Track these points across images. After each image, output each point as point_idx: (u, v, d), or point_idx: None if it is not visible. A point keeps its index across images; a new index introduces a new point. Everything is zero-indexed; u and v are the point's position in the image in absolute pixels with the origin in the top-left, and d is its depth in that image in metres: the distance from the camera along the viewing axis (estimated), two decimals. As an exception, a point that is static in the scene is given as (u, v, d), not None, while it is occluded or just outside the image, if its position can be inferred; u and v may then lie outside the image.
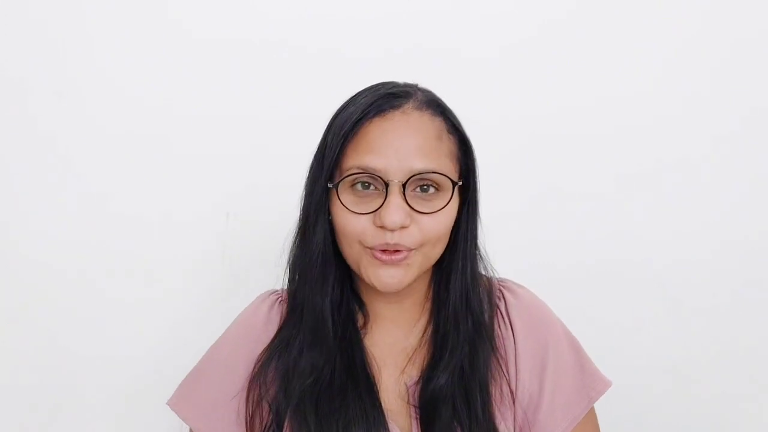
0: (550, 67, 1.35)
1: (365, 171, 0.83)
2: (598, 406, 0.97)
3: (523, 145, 1.35)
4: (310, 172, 0.90)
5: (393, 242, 0.83)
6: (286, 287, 0.96)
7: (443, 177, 0.84)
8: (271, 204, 1.33)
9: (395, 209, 0.82)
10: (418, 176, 0.83)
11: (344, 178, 0.85)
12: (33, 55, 1.29)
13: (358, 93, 0.89)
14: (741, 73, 1.36)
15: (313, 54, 1.33)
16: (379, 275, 0.85)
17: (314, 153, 0.90)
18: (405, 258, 0.85)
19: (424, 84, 0.92)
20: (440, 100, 0.91)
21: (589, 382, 0.95)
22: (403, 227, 0.83)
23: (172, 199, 1.33)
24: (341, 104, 0.90)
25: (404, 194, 0.83)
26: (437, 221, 0.85)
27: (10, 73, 1.29)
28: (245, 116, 1.33)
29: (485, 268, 0.95)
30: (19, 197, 1.30)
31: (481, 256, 0.94)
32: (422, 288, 0.94)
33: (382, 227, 0.83)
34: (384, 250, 0.84)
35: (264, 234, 1.33)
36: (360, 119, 0.85)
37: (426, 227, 0.84)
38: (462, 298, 0.91)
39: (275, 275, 1.00)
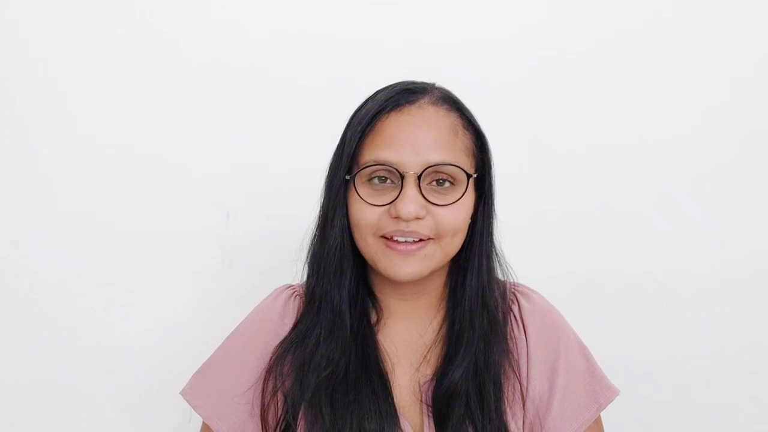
0: (558, 82, 1.37)
1: (382, 164, 0.84)
2: (605, 414, 0.98)
3: (529, 153, 1.36)
4: (329, 168, 0.91)
5: (408, 230, 0.84)
6: (302, 282, 0.96)
7: (458, 170, 0.85)
8: (271, 205, 1.33)
9: (410, 200, 0.83)
10: (433, 168, 0.84)
11: (361, 169, 0.86)
12: (30, 60, 1.29)
13: (377, 91, 0.91)
14: (748, 83, 1.38)
15: (313, 54, 1.34)
16: (395, 265, 0.86)
17: (334, 151, 0.91)
18: (421, 248, 0.85)
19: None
20: (456, 97, 0.92)
21: (599, 388, 0.96)
22: (418, 218, 0.84)
23: (172, 201, 1.33)
24: (361, 102, 0.91)
25: (420, 186, 0.84)
26: (452, 214, 0.86)
27: (6, 78, 1.29)
28: (245, 117, 1.33)
29: (502, 271, 0.96)
30: (20, 200, 1.29)
31: (497, 254, 0.94)
32: (438, 285, 0.95)
33: (397, 218, 0.83)
34: (400, 242, 0.85)
35: (265, 235, 1.34)
36: (377, 114, 0.86)
37: (442, 219, 0.85)
38: (478, 294, 0.91)
39: (276, 274, 1.01)
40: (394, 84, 0.90)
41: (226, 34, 1.32)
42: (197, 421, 0.98)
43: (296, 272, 0.96)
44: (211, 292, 1.34)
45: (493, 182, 0.92)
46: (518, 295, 0.98)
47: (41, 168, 1.30)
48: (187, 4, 1.32)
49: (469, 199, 0.88)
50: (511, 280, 0.98)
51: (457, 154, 0.86)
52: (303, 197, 0.97)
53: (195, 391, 0.96)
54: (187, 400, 0.95)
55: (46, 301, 1.30)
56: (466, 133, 0.89)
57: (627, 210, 1.38)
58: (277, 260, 0.99)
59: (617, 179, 1.38)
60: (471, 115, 0.91)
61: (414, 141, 0.84)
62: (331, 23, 1.34)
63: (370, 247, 0.87)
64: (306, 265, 0.94)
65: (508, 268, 0.96)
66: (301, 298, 0.96)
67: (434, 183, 0.86)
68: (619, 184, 1.38)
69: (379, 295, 0.95)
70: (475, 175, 0.88)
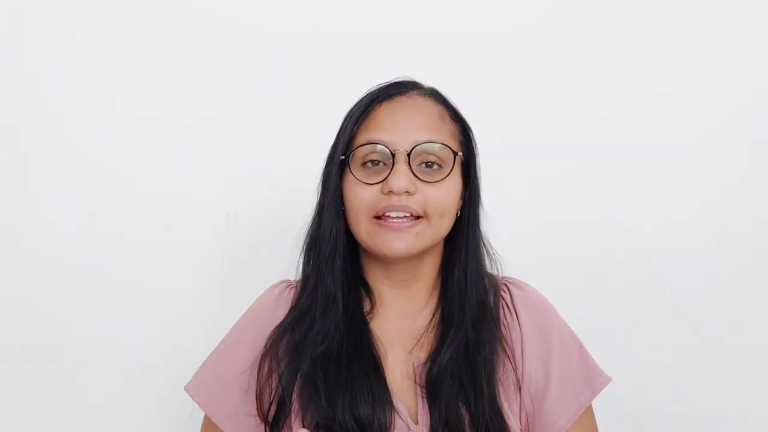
0: (546, 62, 1.40)
1: (374, 143, 0.91)
2: (598, 406, 1.00)
3: (523, 140, 1.38)
4: (327, 158, 0.97)
5: (400, 204, 0.89)
6: (298, 278, 1.00)
7: (445, 150, 0.92)
8: (271, 204, 1.36)
9: (401, 175, 0.89)
10: (422, 146, 0.91)
11: (356, 149, 0.92)
12: (37, 58, 1.32)
13: (370, 88, 0.97)
14: (736, 66, 1.40)
15: (311, 54, 1.37)
16: (387, 241, 0.90)
17: (331, 145, 0.97)
18: (413, 226, 0.91)
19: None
20: (443, 93, 0.99)
21: (593, 374, 1.00)
22: (408, 193, 0.89)
23: (172, 200, 1.36)
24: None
25: (410, 164, 0.90)
26: (440, 192, 0.91)
27: (11, 76, 1.32)
28: (245, 116, 1.36)
29: (489, 259, 1.00)
30: (24, 196, 1.32)
31: (485, 243, 0.99)
32: (429, 272, 0.99)
33: (389, 193, 0.89)
34: (392, 217, 0.90)
35: (264, 233, 1.36)
36: (371, 103, 0.94)
37: (430, 197, 0.91)
38: (465, 278, 0.96)
39: (275, 273, 1.03)
40: (386, 81, 0.97)
41: (227, 35, 1.35)
42: (198, 418, 1.01)
43: (291, 269, 0.99)
44: (212, 292, 1.36)
45: (478, 173, 0.97)
46: (510, 285, 1.02)
47: (42, 167, 1.32)
48: (189, 7, 1.35)
49: (456, 180, 0.94)
50: (501, 274, 1.01)
51: (444, 137, 0.93)
52: (303, 198, 1.00)
53: (194, 383, 1.00)
54: (186, 390, 0.99)
55: (48, 300, 1.32)
56: (453, 122, 0.96)
57: (619, 195, 1.39)
58: (278, 261, 1.01)
59: (607, 162, 1.39)
60: (457, 109, 0.98)
61: (405, 124, 0.92)
62: (334, 26, 1.38)
63: (363, 227, 0.92)
64: (302, 254, 0.98)
65: (496, 255, 1.00)
66: (296, 289, 1.00)
67: (423, 165, 0.92)
68: (609, 167, 1.39)
69: (372, 283, 0.99)
70: (461, 154, 0.94)
